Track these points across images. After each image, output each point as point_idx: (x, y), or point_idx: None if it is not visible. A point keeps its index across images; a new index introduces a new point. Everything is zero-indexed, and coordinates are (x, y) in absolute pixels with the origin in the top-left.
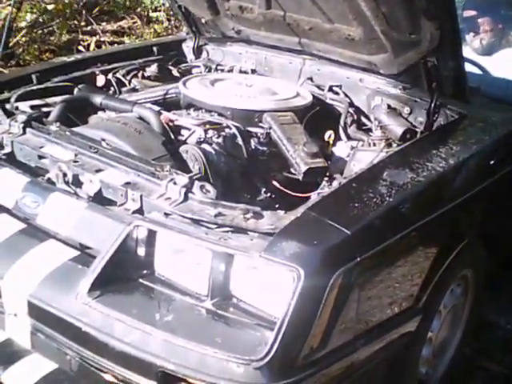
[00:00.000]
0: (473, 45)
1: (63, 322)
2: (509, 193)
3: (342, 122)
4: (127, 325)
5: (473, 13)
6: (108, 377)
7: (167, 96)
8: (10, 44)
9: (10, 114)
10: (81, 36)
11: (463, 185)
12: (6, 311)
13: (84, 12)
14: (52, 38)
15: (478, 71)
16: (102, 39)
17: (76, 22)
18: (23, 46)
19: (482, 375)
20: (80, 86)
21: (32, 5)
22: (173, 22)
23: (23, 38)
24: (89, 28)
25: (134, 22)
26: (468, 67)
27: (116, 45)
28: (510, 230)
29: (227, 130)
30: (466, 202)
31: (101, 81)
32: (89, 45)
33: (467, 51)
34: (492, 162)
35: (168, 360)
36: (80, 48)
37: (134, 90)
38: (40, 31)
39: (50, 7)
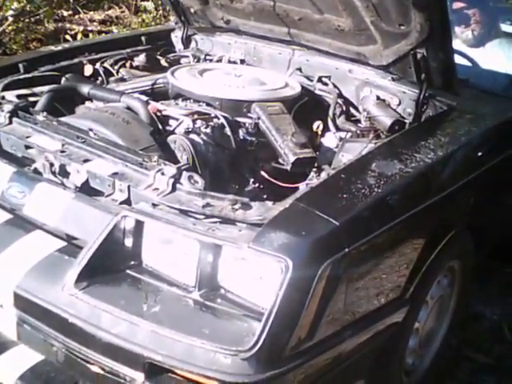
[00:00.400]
0: (462, 37)
1: (50, 314)
2: (497, 184)
3: (330, 113)
4: (114, 316)
5: (462, 5)
6: (95, 368)
7: (155, 86)
8: None
9: None
10: (68, 25)
11: (451, 176)
12: None
13: (71, 0)
14: (39, 27)
15: (467, 63)
16: (90, 28)
17: (63, 10)
18: (10, 35)
19: (468, 366)
20: (67, 76)
21: None
22: (161, 12)
23: (9, 27)
24: (76, 17)
25: (122, 12)
26: (457, 59)
27: (104, 34)
28: (497, 222)
29: (215, 120)
30: (454, 194)
31: (88, 70)
32: (76, 34)
33: (457, 43)
34: (480, 154)
35: (155, 351)
36: (67, 37)
37: (122, 79)
38: (27, 20)
39: None
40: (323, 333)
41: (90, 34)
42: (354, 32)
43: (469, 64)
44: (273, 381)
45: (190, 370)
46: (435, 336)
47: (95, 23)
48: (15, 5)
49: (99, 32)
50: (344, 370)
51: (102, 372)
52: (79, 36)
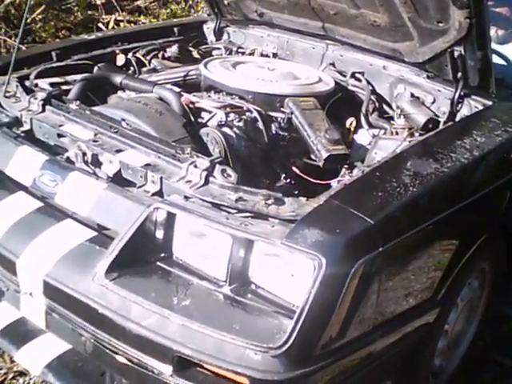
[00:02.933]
0: None
1: (79, 303)
2: None
3: (363, 110)
4: (144, 308)
5: (489, 2)
6: (122, 359)
7: (187, 77)
8: (28, 20)
9: (29, 91)
10: (97, 14)
11: (486, 177)
12: (21, 290)
13: None
14: (68, 16)
15: (501, 61)
16: (119, 18)
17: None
18: (40, 23)
19: (494, 369)
20: (100, 65)
21: None
22: (190, 3)
23: (39, 16)
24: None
25: (151, 2)
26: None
27: (133, 25)
28: None
29: (248, 113)
30: (489, 195)
31: (121, 60)
32: (108, 23)
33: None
34: None
35: (185, 345)
36: (100, 26)
37: (154, 70)
38: (57, 8)
39: None
40: (354, 332)
41: (121, 24)
42: (390, 28)
43: (504, 63)
44: (303, 379)
45: (219, 365)
46: (463, 338)
47: (124, 13)
48: None
49: (129, 22)
50: (373, 370)
51: (129, 363)
52: (111, 25)
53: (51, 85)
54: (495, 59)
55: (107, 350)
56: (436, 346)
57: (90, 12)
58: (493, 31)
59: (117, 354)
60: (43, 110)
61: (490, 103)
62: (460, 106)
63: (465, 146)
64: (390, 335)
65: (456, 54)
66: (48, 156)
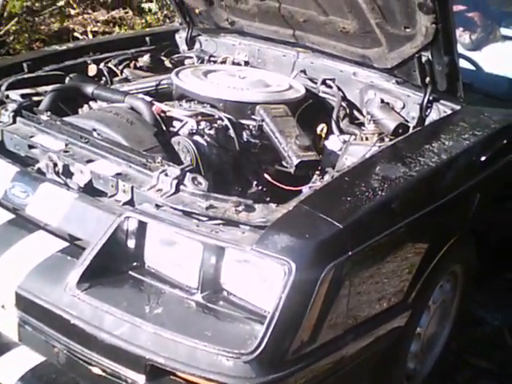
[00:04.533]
0: (461, 40)
1: (51, 315)
2: (500, 189)
3: (334, 116)
4: (116, 317)
5: (461, 7)
6: (96, 370)
7: (159, 87)
8: (1, 33)
9: (0, 103)
10: (71, 26)
11: (455, 180)
12: None
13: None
14: (42, 28)
15: (470, 67)
16: (94, 29)
17: (70, 9)
18: (14, 35)
19: (469, 371)
20: (71, 76)
21: None
22: (165, 13)
23: (13, 27)
24: (80, 18)
25: (126, 12)
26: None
27: (108, 35)
28: (500, 227)
29: (219, 121)
30: (457, 198)
31: (92, 70)
32: (82, 34)
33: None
34: (484, 158)
35: (157, 353)
36: (77, 35)
37: (126, 80)
38: (31, 20)
39: None
40: (325, 336)
41: (95, 35)
42: (358, 34)
43: (472, 68)
44: None
45: (192, 372)
46: (437, 341)
47: (99, 24)
48: (18, 4)
49: (103, 33)
50: (346, 374)
51: (103, 374)
52: (90, 36)
53: (22, 96)
54: (466, 64)
55: (80, 361)
56: (409, 349)
57: (64, 24)
58: (466, 37)
59: (90, 364)
60: (14, 122)
61: (458, 107)
62: (429, 110)
63: (433, 150)
64: (361, 339)
65: (424, 59)
66: (19, 167)
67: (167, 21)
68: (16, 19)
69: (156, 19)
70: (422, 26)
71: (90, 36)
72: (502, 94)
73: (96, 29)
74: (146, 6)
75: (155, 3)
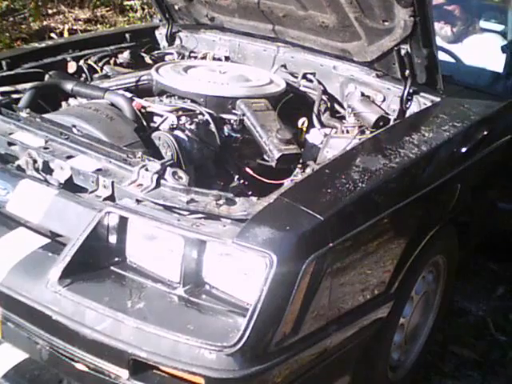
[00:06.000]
0: (441, 33)
1: (33, 311)
2: (481, 180)
3: (315, 110)
4: (98, 313)
5: (441, 0)
6: (79, 366)
7: (139, 83)
8: None
9: None
10: (53, 24)
11: (435, 171)
12: None
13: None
14: (23, 27)
15: (450, 59)
16: (75, 27)
17: (48, 8)
18: None
19: (454, 361)
20: (51, 73)
21: None
22: (147, 11)
23: None
24: (61, 16)
25: (108, 11)
26: (440, 55)
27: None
28: (482, 217)
29: (200, 116)
30: (439, 189)
31: (72, 67)
32: (62, 32)
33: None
34: (464, 149)
35: (140, 348)
36: (53, 35)
37: (106, 76)
38: (11, 19)
39: None
40: (308, 328)
41: (75, 33)
42: (338, 28)
43: (452, 60)
44: (258, 376)
45: (175, 366)
46: (421, 331)
47: (80, 22)
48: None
49: (84, 31)
50: (329, 365)
51: (86, 369)
52: (65, 34)
53: (1, 94)
54: (446, 57)
55: (64, 358)
56: (392, 339)
57: (44, 23)
58: (448, 29)
59: (73, 360)
60: None
61: (438, 99)
62: (409, 103)
63: (413, 142)
64: (344, 330)
65: (403, 52)
66: None
67: (149, 19)
68: None
69: (138, 18)
70: (400, 20)
71: (66, 35)
72: (482, 85)
73: (77, 27)
74: (128, 3)
75: (137, 1)
